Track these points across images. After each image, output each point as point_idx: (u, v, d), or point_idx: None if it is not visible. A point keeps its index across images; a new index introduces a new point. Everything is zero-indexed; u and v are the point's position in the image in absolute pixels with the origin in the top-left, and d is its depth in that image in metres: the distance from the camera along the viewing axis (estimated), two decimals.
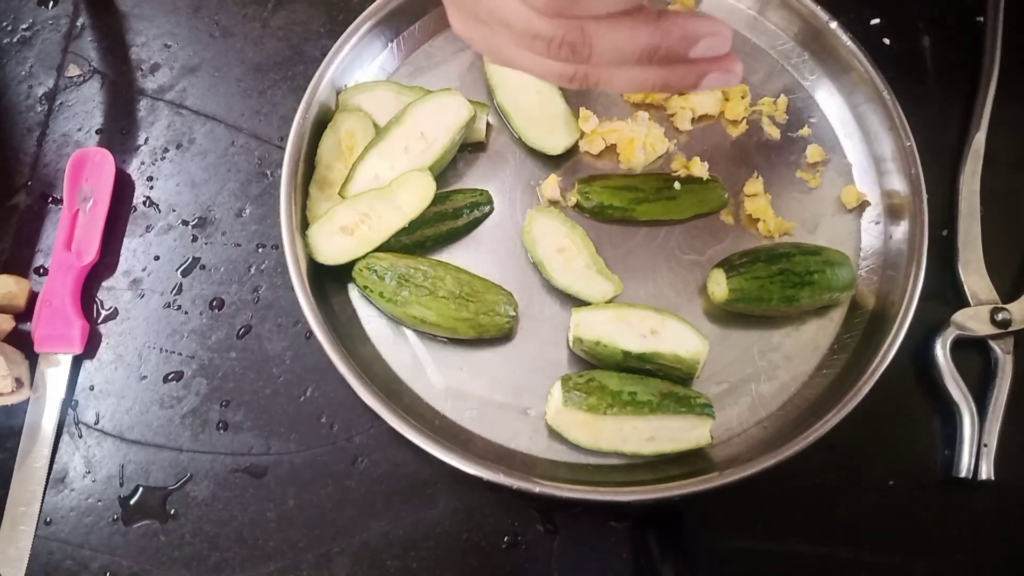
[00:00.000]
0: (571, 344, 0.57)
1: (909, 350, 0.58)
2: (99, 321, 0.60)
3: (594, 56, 0.38)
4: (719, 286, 0.57)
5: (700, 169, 0.61)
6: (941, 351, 0.58)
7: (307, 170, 0.60)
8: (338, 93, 0.62)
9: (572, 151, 0.63)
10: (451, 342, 0.58)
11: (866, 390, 0.53)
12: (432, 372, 0.57)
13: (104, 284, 0.61)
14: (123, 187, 0.63)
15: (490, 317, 0.56)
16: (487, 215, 0.61)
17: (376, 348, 0.58)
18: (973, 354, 0.59)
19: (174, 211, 0.63)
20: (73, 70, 0.67)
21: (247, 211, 0.63)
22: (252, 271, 0.61)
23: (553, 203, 0.61)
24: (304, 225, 0.58)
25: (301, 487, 0.56)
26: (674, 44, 0.38)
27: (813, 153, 0.63)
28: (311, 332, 0.56)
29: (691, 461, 0.54)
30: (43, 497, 0.55)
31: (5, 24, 0.68)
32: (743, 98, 0.64)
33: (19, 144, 0.65)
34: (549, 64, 0.40)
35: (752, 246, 0.60)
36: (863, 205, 0.62)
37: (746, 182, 0.62)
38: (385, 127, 0.59)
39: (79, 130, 0.65)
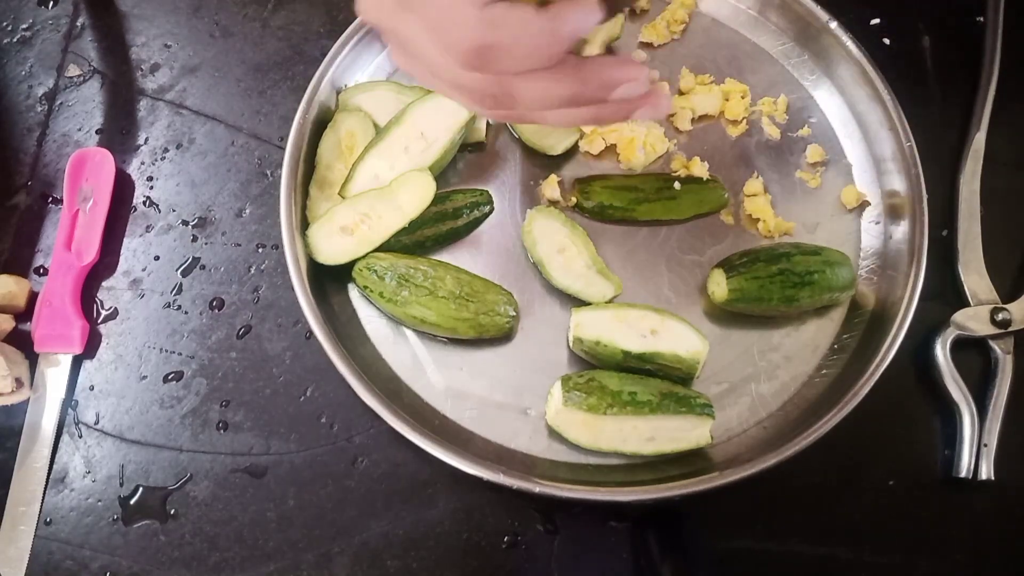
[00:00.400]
0: (571, 344, 0.57)
1: (909, 350, 0.58)
2: (99, 321, 0.60)
3: (518, 106, 0.40)
4: (719, 286, 0.57)
5: (700, 169, 0.61)
6: (941, 351, 0.58)
7: (307, 170, 0.60)
8: (338, 93, 0.62)
9: (572, 151, 0.63)
10: (451, 342, 0.58)
11: (866, 390, 0.53)
12: (432, 372, 0.57)
13: (104, 284, 0.61)
14: (123, 187, 0.63)
15: (490, 317, 0.56)
16: (487, 215, 0.61)
17: (376, 348, 0.58)
18: (973, 354, 0.59)
19: (174, 211, 0.63)
20: (73, 70, 0.67)
21: (247, 211, 0.63)
22: (252, 271, 0.61)
23: (553, 203, 0.61)
24: (304, 225, 0.58)
25: (301, 487, 0.56)
26: (593, 91, 0.40)
27: (813, 153, 0.63)
28: (311, 332, 0.56)
29: (691, 461, 0.54)
30: (43, 497, 0.55)
31: (5, 24, 0.68)
32: (743, 98, 0.64)
33: (19, 144, 0.65)
34: (480, 106, 0.42)
35: (752, 246, 0.60)
36: (863, 205, 0.62)
37: (746, 182, 0.62)
38: (385, 127, 0.59)
39: (79, 130, 0.65)
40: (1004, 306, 0.59)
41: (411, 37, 0.39)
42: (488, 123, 0.63)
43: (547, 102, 0.40)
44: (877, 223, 0.62)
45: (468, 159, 0.63)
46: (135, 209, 0.63)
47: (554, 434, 0.55)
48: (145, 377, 0.58)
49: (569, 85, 0.39)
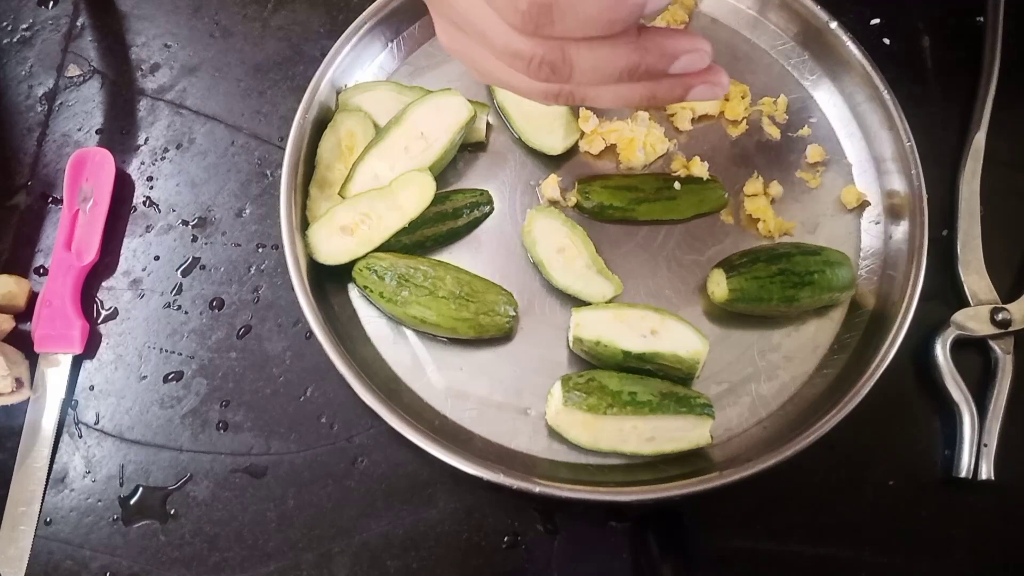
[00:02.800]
0: (571, 344, 0.57)
1: (909, 350, 0.58)
2: (99, 321, 0.60)
3: (575, 76, 0.38)
4: (719, 286, 0.57)
5: (700, 169, 0.61)
6: (941, 351, 0.58)
7: (307, 170, 0.60)
8: (338, 93, 0.62)
9: (572, 151, 0.63)
10: (451, 342, 0.58)
11: (866, 390, 0.53)
12: (432, 372, 0.57)
13: (104, 284, 0.61)
14: (123, 187, 0.63)
15: (490, 317, 0.56)
16: (487, 215, 0.61)
17: (376, 348, 0.58)
18: (973, 354, 0.59)
19: (174, 211, 0.63)
20: (73, 70, 0.67)
21: (247, 211, 0.63)
22: (252, 271, 0.61)
23: (553, 203, 0.61)
24: (304, 225, 0.58)
25: (301, 487, 0.56)
26: (654, 62, 0.38)
27: (813, 153, 0.63)
28: (311, 332, 0.56)
29: (691, 461, 0.54)
30: (43, 497, 0.55)
31: (5, 24, 0.68)
32: (743, 98, 0.64)
33: (19, 144, 0.65)
34: (530, 82, 0.40)
35: (752, 246, 0.60)
36: (863, 205, 0.62)
37: (746, 182, 0.62)
38: (385, 127, 0.59)
39: (79, 130, 0.65)
40: (1004, 306, 0.59)
41: (462, 3, 0.38)
42: (488, 123, 0.63)
43: (605, 73, 0.38)
44: (877, 223, 0.62)
45: (468, 159, 0.63)
46: (135, 209, 0.63)
47: (554, 434, 0.55)
48: (145, 377, 0.58)
49: (628, 54, 0.37)
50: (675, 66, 0.38)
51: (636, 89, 0.39)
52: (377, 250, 0.57)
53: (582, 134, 0.62)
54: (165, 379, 0.58)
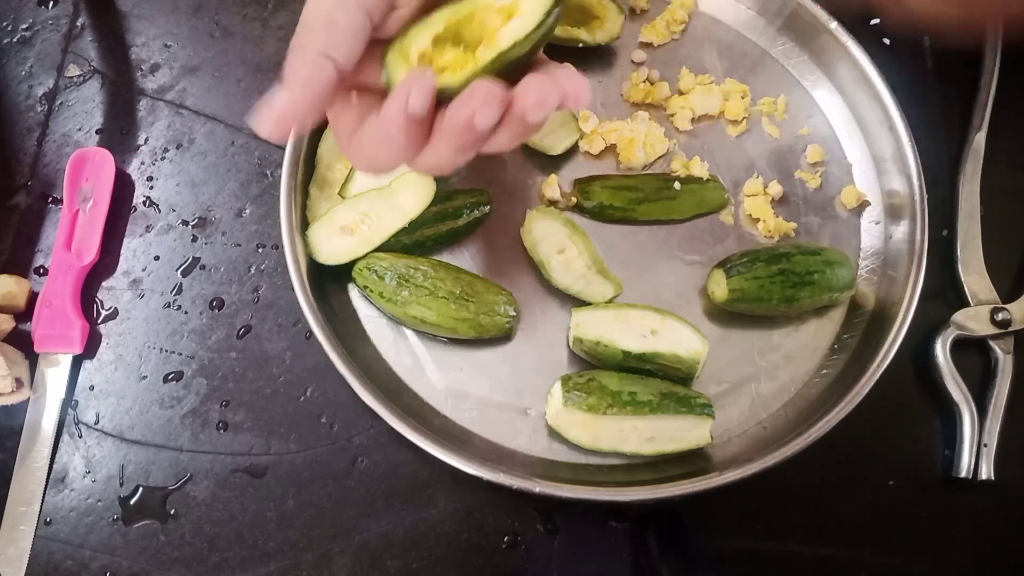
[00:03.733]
0: (571, 344, 0.57)
1: (909, 350, 0.58)
2: (99, 321, 0.60)
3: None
4: (719, 286, 0.57)
5: (700, 169, 0.61)
6: (941, 351, 0.58)
7: (307, 170, 0.60)
8: None
9: (572, 151, 0.63)
10: (451, 342, 0.58)
11: (866, 390, 0.53)
12: (432, 372, 0.57)
13: (104, 284, 0.61)
14: (123, 187, 0.63)
15: (490, 317, 0.56)
16: (487, 215, 0.61)
17: (376, 348, 0.58)
18: (973, 354, 0.59)
19: (174, 211, 0.63)
20: (73, 70, 0.67)
21: (247, 211, 0.63)
22: (252, 271, 0.61)
23: (553, 203, 0.61)
24: (304, 225, 0.58)
25: (301, 487, 0.56)
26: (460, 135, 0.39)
27: (813, 153, 0.63)
28: (311, 332, 0.56)
29: (691, 461, 0.54)
30: (43, 497, 0.55)
31: (5, 24, 0.68)
32: (743, 98, 0.64)
33: (19, 144, 0.65)
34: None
35: (752, 246, 0.60)
36: (863, 205, 0.62)
37: (746, 182, 0.62)
38: None
39: (79, 130, 0.65)
40: (1004, 306, 0.59)
41: None
42: None
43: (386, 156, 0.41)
44: (877, 223, 0.62)
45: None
46: (135, 209, 0.63)
47: (554, 434, 0.55)
48: (145, 377, 0.58)
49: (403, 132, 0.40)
50: (476, 123, 0.38)
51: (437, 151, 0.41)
52: (377, 250, 0.57)
53: (582, 134, 0.62)
54: (165, 379, 0.58)
